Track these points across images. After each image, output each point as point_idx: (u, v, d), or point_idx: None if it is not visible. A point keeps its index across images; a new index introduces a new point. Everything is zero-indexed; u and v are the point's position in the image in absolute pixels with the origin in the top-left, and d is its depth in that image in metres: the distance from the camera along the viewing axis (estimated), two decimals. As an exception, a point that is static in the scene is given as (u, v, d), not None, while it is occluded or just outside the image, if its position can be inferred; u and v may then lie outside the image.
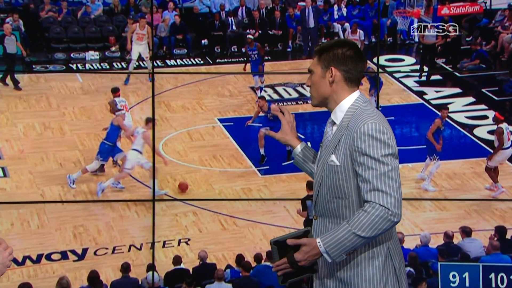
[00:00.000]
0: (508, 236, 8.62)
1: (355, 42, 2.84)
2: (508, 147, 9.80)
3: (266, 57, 13.85)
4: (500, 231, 8.63)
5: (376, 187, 2.60)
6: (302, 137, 10.98)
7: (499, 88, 12.58)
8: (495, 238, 8.46)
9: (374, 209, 2.59)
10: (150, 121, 9.97)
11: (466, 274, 7.13)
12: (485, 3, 12.25)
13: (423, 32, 12.66)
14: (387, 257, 2.73)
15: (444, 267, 7.14)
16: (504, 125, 9.85)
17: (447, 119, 11.47)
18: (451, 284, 7.11)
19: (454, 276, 7.16)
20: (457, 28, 12.34)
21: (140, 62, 13.12)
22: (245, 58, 12.24)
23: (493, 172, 9.79)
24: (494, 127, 11.51)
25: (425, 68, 12.87)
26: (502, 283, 7.07)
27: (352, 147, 2.66)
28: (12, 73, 12.40)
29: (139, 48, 12.61)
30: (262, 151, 10.36)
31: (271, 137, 3.03)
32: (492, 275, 7.09)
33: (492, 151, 10.46)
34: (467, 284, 7.07)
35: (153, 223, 8.88)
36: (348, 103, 2.75)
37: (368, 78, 11.78)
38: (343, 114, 2.75)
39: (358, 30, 13.53)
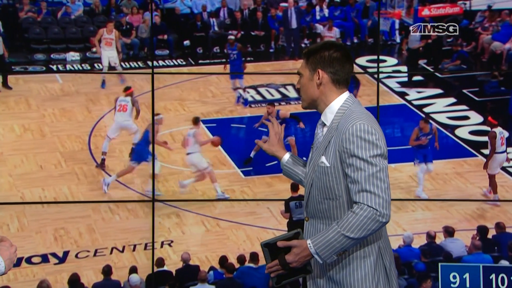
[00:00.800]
0: (489, 236, 8.68)
1: (342, 44, 2.90)
2: (502, 152, 9.68)
3: (249, 58, 13.83)
4: (482, 230, 8.69)
5: (364, 188, 2.63)
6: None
7: (480, 88, 12.69)
8: (477, 238, 8.51)
9: (362, 210, 2.62)
10: (198, 121, 9.95)
11: (467, 275, 7.16)
12: (465, 4, 12.35)
13: (407, 37, 12.76)
14: (378, 257, 2.75)
15: (445, 268, 7.16)
16: (497, 130, 9.69)
17: (430, 119, 11.57)
18: (452, 285, 7.14)
19: (454, 277, 7.19)
20: (457, 28, 12.44)
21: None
22: (226, 60, 12.19)
23: (494, 181, 9.68)
24: (476, 127, 11.61)
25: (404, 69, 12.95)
26: (502, 284, 7.11)
27: (341, 148, 2.69)
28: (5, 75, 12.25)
29: (108, 54, 12.36)
30: (252, 154, 10.33)
31: (261, 147, 3.05)
32: (493, 276, 7.13)
33: (475, 152, 10.55)
34: (468, 285, 7.10)
35: (153, 224, 8.82)
36: (338, 104, 2.78)
37: None
38: (333, 116, 2.78)
39: (334, 27, 13.58)
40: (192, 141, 9.97)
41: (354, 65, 14.01)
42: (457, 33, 12.31)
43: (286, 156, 2.97)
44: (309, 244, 2.65)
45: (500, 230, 8.59)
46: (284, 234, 2.73)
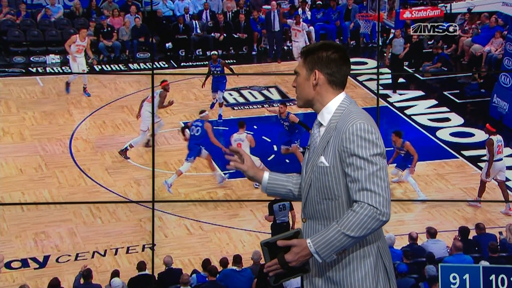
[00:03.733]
0: (470, 237, 8.75)
1: (341, 45, 2.89)
2: (500, 159, 9.63)
3: (231, 60, 13.82)
4: (463, 231, 8.75)
5: (365, 187, 2.61)
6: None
7: (460, 91, 12.81)
8: (459, 239, 8.57)
9: (362, 209, 2.60)
10: (243, 125, 10.03)
11: (467, 276, 7.19)
12: (446, 7, 12.47)
13: (392, 43, 12.84)
14: (377, 257, 2.74)
15: (445, 269, 7.19)
16: (495, 137, 9.60)
17: (412, 121, 11.65)
18: (452, 286, 7.16)
19: (454, 278, 7.21)
20: (457, 27, 12.54)
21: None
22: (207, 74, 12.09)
23: (484, 187, 9.66)
24: (456, 129, 11.71)
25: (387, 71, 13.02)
26: (502, 284, 7.15)
27: (341, 148, 2.67)
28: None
29: (78, 60, 12.25)
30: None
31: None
32: (493, 277, 7.17)
33: (456, 154, 10.63)
34: (468, 286, 7.13)
35: (153, 225, 8.77)
36: (335, 104, 2.77)
37: None
38: (330, 116, 2.76)
39: (301, 22, 13.64)
40: (244, 145, 9.98)
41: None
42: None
43: (266, 175, 2.94)
44: (309, 243, 2.63)
45: (480, 231, 8.66)
46: (284, 233, 2.70)
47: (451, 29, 12.23)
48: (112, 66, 13.83)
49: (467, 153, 10.93)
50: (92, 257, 8.86)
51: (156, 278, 8.25)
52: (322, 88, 2.77)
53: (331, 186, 2.71)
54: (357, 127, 2.65)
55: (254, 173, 2.96)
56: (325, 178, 2.71)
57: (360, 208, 2.60)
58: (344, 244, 2.61)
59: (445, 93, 12.81)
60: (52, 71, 13.40)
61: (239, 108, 12.37)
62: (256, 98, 12.67)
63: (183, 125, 11.12)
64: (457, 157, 10.84)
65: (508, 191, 9.85)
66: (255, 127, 11.49)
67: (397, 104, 12.36)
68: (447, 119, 11.91)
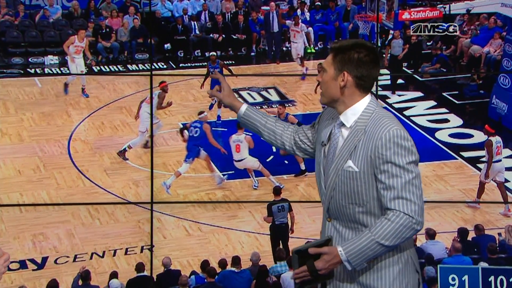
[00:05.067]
0: (469, 238, 8.74)
1: (373, 46, 2.76)
2: (499, 161, 9.59)
3: (230, 61, 13.80)
4: (462, 233, 8.73)
5: (401, 195, 2.56)
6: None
7: (460, 92, 12.81)
8: (458, 240, 8.55)
9: (398, 218, 2.55)
10: (242, 127, 9.98)
11: (466, 277, 7.17)
12: (444, 8, 12.46)
13: (391, 44, 12.83)
14: (407, 262, 2.70)
15: (443, 270, 7.17)
16: (494, 138, 9.54)
17: (411, 122, 11.65)
18: (451, 287, 7.15)
19: (453, 279, 7.19)
20: (457, 27, 12.54)
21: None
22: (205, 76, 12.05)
23: (483, 188, 9.64)
24: (455, 130, 11.71)
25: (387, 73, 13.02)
26: (501, 286, 7.14)
27: (375, 154, 2.59)
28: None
29: (76, 61, 12.22)
30: (302, 166, 10.34)
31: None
32: (492, 278, 7.15)
33: (455, 155, 10.61)
34: (467, 287, 7.11)
35: (151, 226, 8.75)
36: (362, 106, 2.67)
37: None
38: (355, 117, 2.67)
39: (300, 23, 13.63)
40: (243, 146, 9.96)
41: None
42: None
43: (243, 107, 2.88)
44: (340, 251, 2.58)
45: (479, 232, 8.64)
46: (316, 240, 2.67)
47: (451, 29, 12.22)
48: (110, 67, 13.81)
49: (466, 154, 10.92)
50: (91, 258, 8.84)
51: (155, 280, 8.22)
52: (349, 90, 2.66)
53: (360, 191, 2.64)
54: (394, 133, 2.57)
55: (230, 102, 2.90)
56: (353, 183, 2.64)
57: (395, 217, 2.55)
58: (377, 253, 2.57)
59: (444, 94, 12.80)
60: (51, 72, 13.38)
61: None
62: (255, 99, 12.65)
63: (181, 126, 11.10)
64: (456, 158, 10.83)
65: (507, 192, 9.85)
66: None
67: (396, 105, 12.35)
68: (446, 120, 11.90)
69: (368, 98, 2.69)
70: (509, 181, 10.09)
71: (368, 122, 2.64)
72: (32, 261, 8.78)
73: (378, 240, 2.55)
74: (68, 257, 8.84)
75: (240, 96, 12.75)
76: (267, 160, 10.66)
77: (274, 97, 12.74)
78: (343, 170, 2.65)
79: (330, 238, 2.68)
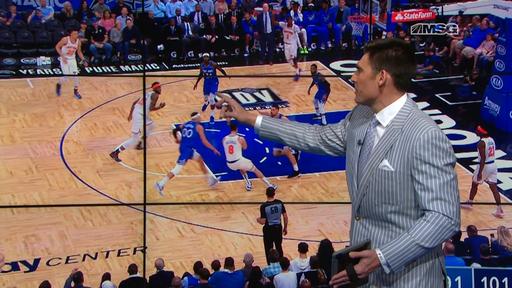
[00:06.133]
0: (462, 239, 8.76)
1: (409, 44, 2.76)
2: (492, 162, 9.61)
3: (223, 62, 13.79)
4: (455, 234, 8.75)
5: (439, 196, 2.56)
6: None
7: (452, 93, 12.85)
8: (450, 241, 8.57)
9: (437, 219, 2.55)
10: (235, 127, 10.02)
11: (459, 278, 7.19)
12: (437, 9, 12.50)
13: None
14: (434, 264, 2.71)
15: None
16: (487, 140, 9.56)
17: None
18: None
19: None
20: (456, 28, 12.57)
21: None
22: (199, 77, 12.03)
23: (475, 189, 9.66)
24: (448, 131, 11.74)
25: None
26: (494, 286, 7.15)
27: (413, 155, 2.59)
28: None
29: (69, 62, 12.18)
30: (295, 167, 10.32)
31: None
32: (484, 279, 7.17)
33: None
34: None
35: (144, 227, 8.71)
36: (398, 106, 2.67)
37: (317, 84, 11.86)
38: (392, 117, 2.66)
39: (293, 24, 13.65)
40: (236, 147, 9.93)
41: (329, 70, 14.11)
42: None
43: (259, 120, 2.87)
44: (379, 254, 2.56)
45: (472, 233, 8.67)
46: (355, 245, 2.65)
47: (451, 29, 12.29)
48: (103, 68, 13.77)
49: (458, 155, 10.93)
50: (83, 260, 8.80)
51: (148, 281, 8.20)
52: (388, 89, 2.65)
53: (394, 191, 2.63)
54: (432, 135, 2.58)
55: (245, 118, 2.88)
56: (388, 183, 2.63)
57: (435, 218, 2.55)
58: (417, 255, 2.56)
59: (436, 95, 12.84)
60: (43, 73, 13.33)
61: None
62: (248, 100, 12.65)
63: (174, 127, 11.08)
64: (449, 159, 10.85)
65: (500, 193, 9.88)
66: (247, 129, 11.45)
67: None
68: (439, 121, 11.93)
69: (404, 98, 2.69)
70: (502, 182, 10.13)
71: (405, 122, 2.63)
72: (24, 262, 8.74)
73: (418, 242, 2.54)
74: (60, 258, 8.80)
75: (234, 97, 12.74)
76: (260, 161, 10.66)
77: (267, 98, 12.74)
78: (378, 169, 2.64)
79: (369, 241, 2.65)
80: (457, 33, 12.92)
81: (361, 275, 2.58)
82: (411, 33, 12.65)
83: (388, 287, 2.69)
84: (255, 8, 14.85)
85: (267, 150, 10.90)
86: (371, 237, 2.68)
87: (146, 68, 13.50)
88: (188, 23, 14.43)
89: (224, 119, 10.55)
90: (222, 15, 14.82)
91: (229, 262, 8.15)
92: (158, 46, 14.20)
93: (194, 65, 13.65)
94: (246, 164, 10.10)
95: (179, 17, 14.53)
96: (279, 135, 2.89)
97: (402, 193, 2.63)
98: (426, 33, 12.27)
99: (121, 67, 13.83)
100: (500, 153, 10.59)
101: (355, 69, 2.78)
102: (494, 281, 7.24)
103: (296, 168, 10.38)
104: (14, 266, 8.65)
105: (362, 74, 2.70)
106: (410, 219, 2.64)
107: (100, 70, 13.42)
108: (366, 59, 2.69)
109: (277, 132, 2.88)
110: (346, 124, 2.86)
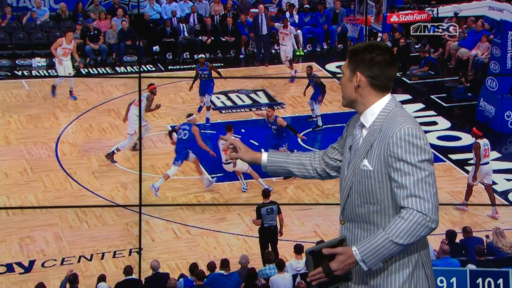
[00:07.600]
0: (457, 240, 8.78)
1: (388, 46, 2.77)
2: (487, 163, 9.61)
3: (219, 64, 13.79)
4: (450, 235, 8.77)
5: (413, 193, 2.56)
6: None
7: (448, 94, 12.88)
8: (446, 242, 8.59)
9: (412, 216, 2.54)
10: (231, 128, 10.01)
11: (454, 279, 7.20)
12: (432, 11, 12.53)
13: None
14: (418, 265, 2.70)
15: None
16: (482, 141, 9.56)
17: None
18: None
19: (441, 281, 7.22)
20: (457, 28, 12.60)
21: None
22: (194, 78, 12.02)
23: (471, 190, 9.67)
24: (443, 133, 11.76)
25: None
26: None
27: (387, 152, 2.61)
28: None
29: (64, 64, 12.16)
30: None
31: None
32: (480, 280, 7.18)
33: (443, 157, 10.64)
34: None
35: (140, 229, 8.70)
36: (379, 107, 2.70)
37: (313, 85, 11.88)
38: (373, 118, 2.69)
39: (289, 25, 13.66)
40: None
41: (324, 71, 14.10)
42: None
43: (264, 157, 2.92)
44: (355, 251, 2.56)
45: (467, 234, 8.68)
46: (329, 241, 2.64)
47: (451, 29, 12.33)
48: (98, 69, 13.75)
49: (454, 156, 10.97)
50: (78, 261, 8.79)
51: (143, 283, 8.19)
52: (365, 91, 2.69)
53: (374, 190, 2.64)
54: (405, 131, 2.58)
55: (251, 157, 2.92)
56: (368, 182, 2.65)
57: (409, 215, 2.54)
58: (392, 252, 2.55)
59: (432, 96, 12.87)
60: (38, 74, 13.31)
61: (227, 111, 12.35)
62: (243, 101, 12.65)
63: (170, 128, 11.07)
64: (444, 161, 10.88)
65: (495, 194, 9.90)
66: (242, 130, 11.47)
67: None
68: (434, 123, 11.96)
69: (387, 98, 2.71)
70: (497, 184, 10.16)
71: (384, 121, 2.66)
72: (19, 264, 8.72)
73: (393, 239, 2.54)
74: (55, 260, 8.78)
75: (229, 98, 12.74)
76: (256, 162, 10.63)
77: (263, 99, 12.74)
78: (360, 169, 2.67)
79: (343, 238, 2.66)
80: (457, 33, 12.95)
81: (336, 272, 2.58)
82: (411, 34, 12.68)
83: (370, 287, 2.69)
84: (251, 10, 14.86)
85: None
86: (356, 241, 2.68)
87: (141, 69, 13.49)
88: (183, 25, 14.43)
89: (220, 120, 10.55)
90: (217, 16, 14.83)
91: (225, 263, 8.15)
92: (154, 48, 14.20)
93: (189, 66, 13.65)
94: (242, 165, 10.09)
95: (175, 18, 14.53)
96: (287, 167, 2.92)
97: (382, 191, 2.64)
98: (426, 33, 12.30)
99: (117, 68, 13.82)
100: (495, 154, 10.62)
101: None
102: (489, 282, 7.25)
103: (291, 169, 10.38)
104: (9, 268, 8.63)
105: (343, 77, 2.76)
106: (392, 218, 2.64)
107: (96, 72, 13.41)
108: (346, 63, 2.75)
109: (285, 164, 2.92)
110: (343, 136, 2.89)
